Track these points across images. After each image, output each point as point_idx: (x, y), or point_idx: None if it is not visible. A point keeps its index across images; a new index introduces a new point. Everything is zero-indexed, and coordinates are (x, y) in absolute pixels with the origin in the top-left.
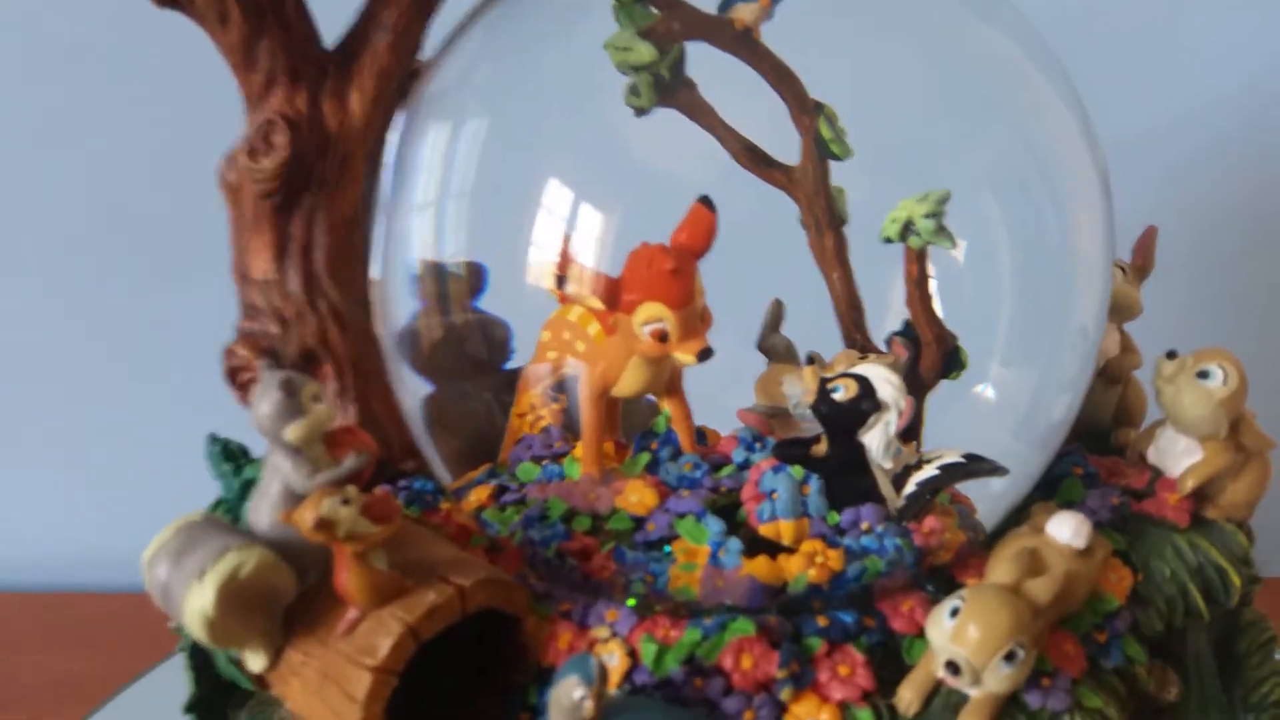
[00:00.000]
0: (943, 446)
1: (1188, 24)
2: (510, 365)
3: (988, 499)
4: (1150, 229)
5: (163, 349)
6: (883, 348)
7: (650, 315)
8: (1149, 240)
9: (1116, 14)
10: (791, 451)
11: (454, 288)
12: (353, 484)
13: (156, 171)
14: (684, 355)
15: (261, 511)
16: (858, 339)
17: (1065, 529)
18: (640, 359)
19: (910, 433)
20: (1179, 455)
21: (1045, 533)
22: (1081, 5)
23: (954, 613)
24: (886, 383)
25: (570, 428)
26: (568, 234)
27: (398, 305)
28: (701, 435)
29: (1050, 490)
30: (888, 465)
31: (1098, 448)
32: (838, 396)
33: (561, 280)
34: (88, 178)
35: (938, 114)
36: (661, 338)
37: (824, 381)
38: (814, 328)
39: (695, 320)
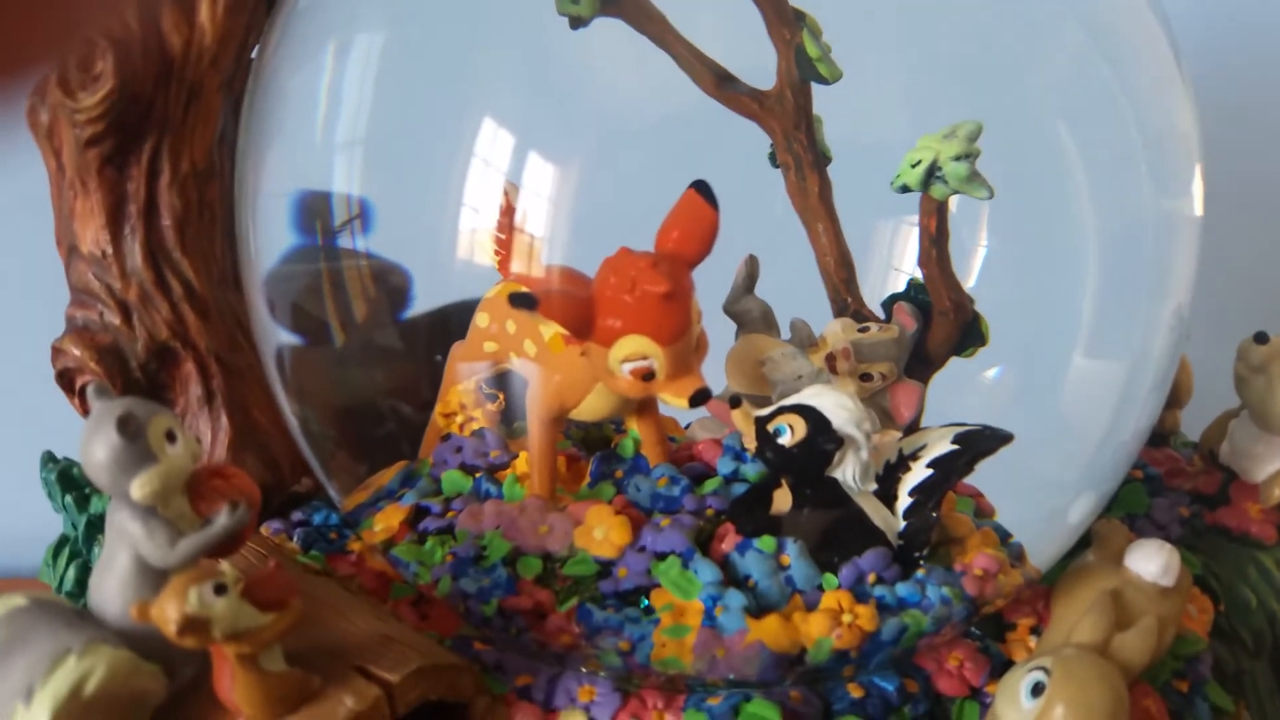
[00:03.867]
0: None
1: None
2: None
3: (1065, 532)
4: None
5: None
6: (881, 315)
7: (634, 351)
8: None
9: None
10: (750, 520)
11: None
12: (231, 546)
13: None
14: (674, 398)
15: (108, 591)
16: (849, 303)
17: (1152, 564)
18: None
19: (910, 428)
20: (1259, 456)
21: (1125, 568)
22: None
23: (1036, 689)
24: (841, 409)
25: (510, 431)
26: (507, 197)
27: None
28: None
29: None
30: (871, 488)
31: None
32: (784, 441)
33: (520, 297)
34: None
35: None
36: (646, 376)
37: (761, 423)
38: (795, 289)
39: (690, 355)
